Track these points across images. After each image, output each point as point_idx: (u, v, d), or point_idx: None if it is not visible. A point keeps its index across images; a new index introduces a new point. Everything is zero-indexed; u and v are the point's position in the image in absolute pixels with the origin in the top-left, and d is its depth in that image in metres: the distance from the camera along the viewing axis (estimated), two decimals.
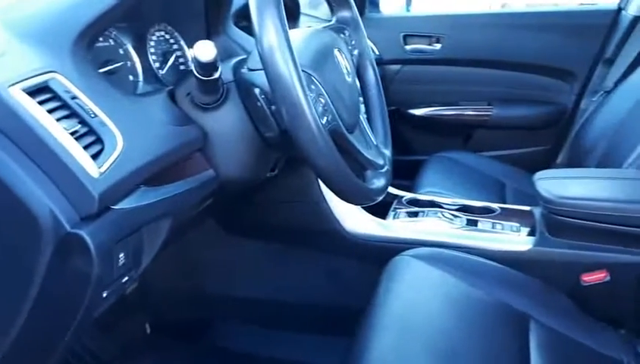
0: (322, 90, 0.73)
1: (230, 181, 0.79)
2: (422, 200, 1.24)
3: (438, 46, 1.88)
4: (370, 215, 1.14)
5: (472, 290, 0.93)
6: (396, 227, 1.14)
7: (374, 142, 0.89)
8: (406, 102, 1.94)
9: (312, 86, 0.72)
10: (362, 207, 1.16)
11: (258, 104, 0.74)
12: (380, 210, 1.18)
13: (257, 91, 0.73)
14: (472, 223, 1.13)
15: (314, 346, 1.21)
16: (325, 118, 0.70)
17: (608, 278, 0.96)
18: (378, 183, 0.81)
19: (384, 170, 0.84)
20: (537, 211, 1.12)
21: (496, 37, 1.83)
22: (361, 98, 0.97)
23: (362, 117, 0.90)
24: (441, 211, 1.16)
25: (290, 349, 1.21)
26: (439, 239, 1.08)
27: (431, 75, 1.93)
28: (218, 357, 1.24)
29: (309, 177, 1.09)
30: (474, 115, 1.89)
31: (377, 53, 1.88)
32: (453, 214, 1.15)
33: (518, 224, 1.12)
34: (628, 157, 1.18)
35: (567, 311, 0.97)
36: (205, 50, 0.66)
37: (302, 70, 0.65)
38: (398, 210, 1.20)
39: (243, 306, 1.25)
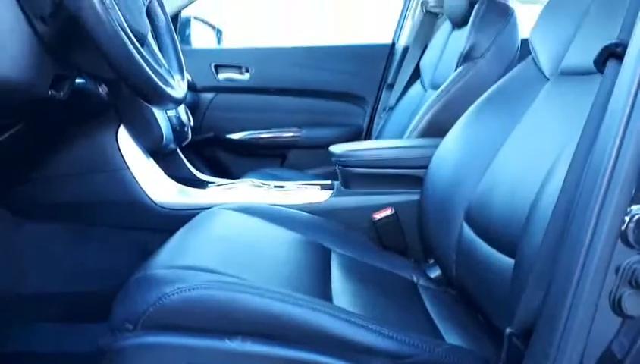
0: None
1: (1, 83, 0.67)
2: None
3: (247, 76, 2.04)
4: (178, 184, 1.13)
5: (282, 230, 0.98)
6: (206, 194, 1.16)
7: (166, 66, 0.90)
8: (223, 128, 2.03)
9: None
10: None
11: None
12: None
13: None
14: (279, 187, 1.21)
15: None
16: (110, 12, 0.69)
17: (393, 212, 1.10)
18: (173, 92, 0.81)
19: (176, 89, 0.84)
20: (335, 183, 1.25)
21: (298, 69, 2.07)
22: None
23: (154, 44, 0.91)
24: (252, 181, 1.22)
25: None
26: (250, 199, 1.13)
27: (244, 102, 2.07)
28: None
29: (107, 141, 1.04)
30: (286, 137, 2.05)
31: (190, 79, 1.96)
32: (262, 183, 1.22)
33: (319, 187, 1.23)
34: None
35: (364, 244, 1.08)
36: None
37: None
38: (210, 185, 1.23)
39: (35, 304, 1.10)
